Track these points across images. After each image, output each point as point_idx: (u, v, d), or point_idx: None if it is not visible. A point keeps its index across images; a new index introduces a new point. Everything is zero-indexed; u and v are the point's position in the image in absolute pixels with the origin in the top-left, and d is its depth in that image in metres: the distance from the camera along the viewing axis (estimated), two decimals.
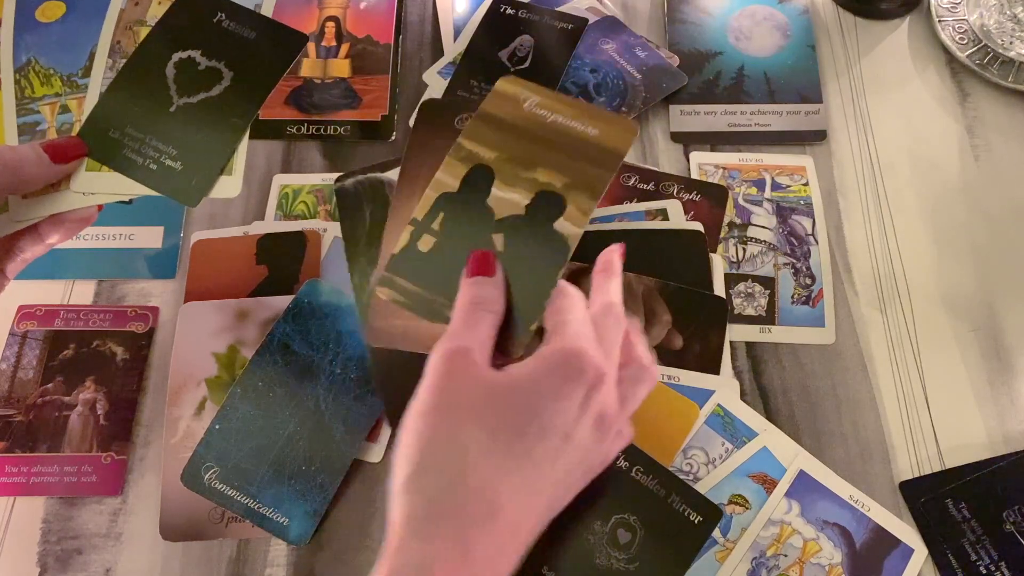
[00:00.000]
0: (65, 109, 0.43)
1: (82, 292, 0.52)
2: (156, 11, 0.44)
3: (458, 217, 0.37)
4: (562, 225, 0.36)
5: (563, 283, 0.35)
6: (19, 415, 0.48)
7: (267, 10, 0.45)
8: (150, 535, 0.45)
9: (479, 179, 0.37)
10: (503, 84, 0.40)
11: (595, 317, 0.35)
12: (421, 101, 0.50)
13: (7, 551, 0.45)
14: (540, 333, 0.35)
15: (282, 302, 0.49)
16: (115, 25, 0.45)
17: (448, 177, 0.38)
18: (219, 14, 0.43)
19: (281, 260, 0.52)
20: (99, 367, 0.49)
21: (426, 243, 0.37)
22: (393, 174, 0.43)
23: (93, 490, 0.46)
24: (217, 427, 0.46)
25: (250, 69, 0.43)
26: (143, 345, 0.50)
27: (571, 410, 0.32)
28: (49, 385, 0.49)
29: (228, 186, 0.42)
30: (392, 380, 0.39)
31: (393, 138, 0.58)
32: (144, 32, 0.44)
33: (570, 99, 0.40)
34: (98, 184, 0.42)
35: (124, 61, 0.43)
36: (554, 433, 0.31)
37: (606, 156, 0.37)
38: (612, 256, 0.38)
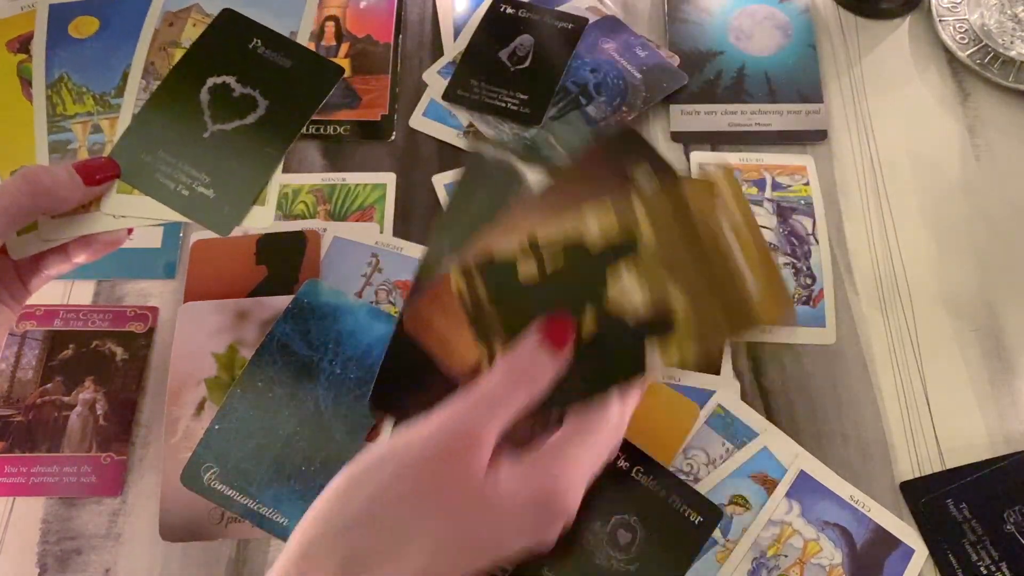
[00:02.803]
0: (97, 129, 0.43)
1: (81, 292, 0.52)
2: (191, 33, 0.44)
3: (575, 271, 0.32)
4: (651, 351, 0.32)
5: (612, 403, 0.33)
6: (18, 415, 0.48)
7: (303, 38, 0.44)
8: (149, 535, 0.45)
9: (620, 251, 0.32)
10: (720, 174, 0.34)
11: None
12: (624, 128, 0.40)
13: (6, 551, 0.45)
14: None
15: (282, 302, 0.49)
16: (149, 45, 0.44)
17: (594, 224, 0.32)
18: (255, 40, 0.43)
19: (281, 260, 0.52)
20: (99, 367, 0.49)
21: (528, 271, 0.32)
22: (537, 174, 0.38)
23: (93, 490, 0.46)
24: (217, 427, 0.46)
25: (285, 99, 0.42)
26: (143, 345, 0.50)
27: (522, 543, 0.30)
28: (48, 385, 0.49)
29: (260, 216, 0.42)
30: (398, 369, 0.35)
31: (393, 138, 0.58)
32: (179, 54, 0.43)
33: (759, 234, 0.34)
34: (129, 207, 0.41)
35: (158, 83, 0.43)
36: (495, 556, 0.30)
37: (743, 319, 0.32)
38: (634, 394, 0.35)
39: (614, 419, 0.32)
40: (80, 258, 0.43)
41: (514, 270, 0.32)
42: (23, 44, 0.45)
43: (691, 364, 0.35)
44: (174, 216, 0.41)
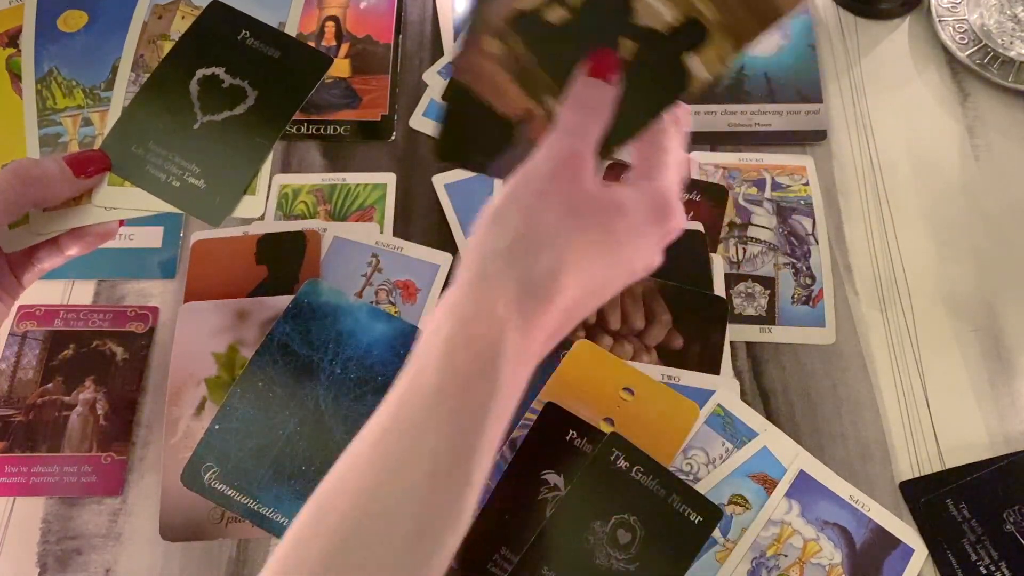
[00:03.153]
0: (87, 122, 0.43)
1: (82, 292, 0.52)
2: (180, 25, 0.44)
3: (601, 2, 0.33)
4: (692, 62, 0.33)
5: (667, 120, 0.35)
6: (19, 415, 0.48)
7: (291, 29, 0.44)
8: (150, 535, 0.45)
9: None
10: None
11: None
12: None
13: (7, 551, 0.45)
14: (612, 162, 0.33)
15: (282, 302, 0.49)
16: (138, 38, 0.44)
17: None
18: (243, 31, 0.43)
19: (281, 260, 0.52)
20: (99, 367, 0.49)
21: (556, 14, 0.33)
22: None
23: (93, 490, 0.46)
24: (217, 427, 0.46)
25: (275, 89, 0.43)
26: (143, 345, 0.50)
27: (647, 248, 0.33)
28: (49, 385, 0.49)
29: (251, 206, 0.42)
30: (457, 118, 0.36)
31: (393, 138, 0.58)
32: (168, 46, 0.43)
33: None
34: (120, 199, 0.41)
35: (147, 75, 0.43)
36: (627, 261, 0.32)
37: (768, 8, 0.33)
38: (684, 111, 0.37)
39: (675, 132, 0.35)
40: (72, 251, 0.43)
41: (542, 17, 0.33)
42: (11, 39, 0.45)
43: (730, 65, 0.35)
44: (165, 207, 0.41)
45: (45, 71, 0.44)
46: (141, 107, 0.42)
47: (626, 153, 0.35)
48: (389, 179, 0.56)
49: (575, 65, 0.33)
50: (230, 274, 0.52)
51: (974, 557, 0.44)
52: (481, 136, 0.36)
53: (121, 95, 0.43)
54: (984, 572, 0.44)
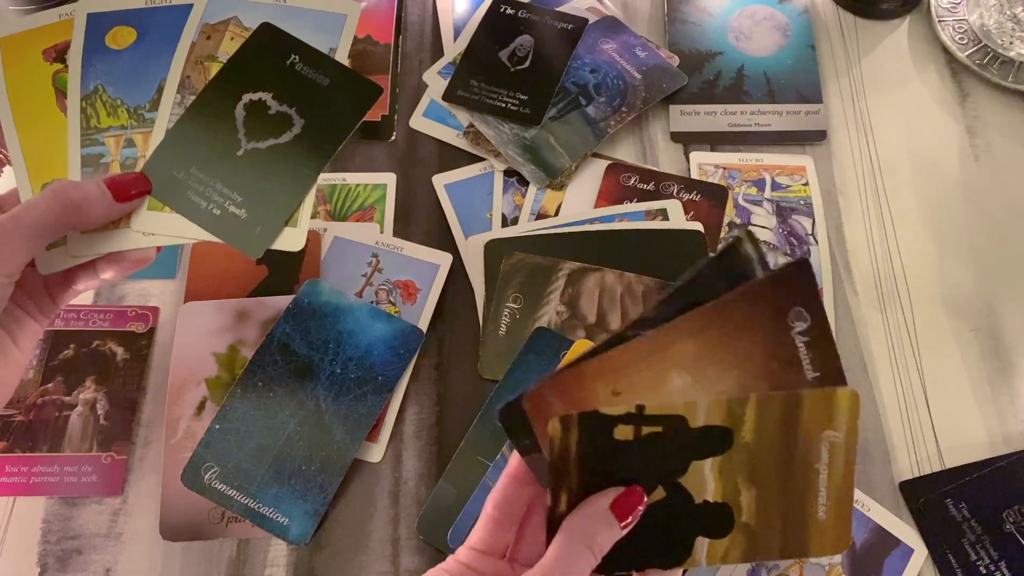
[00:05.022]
0: (130, 143, 0.42)
1: None
2: (228, 47, 0.43)
3: (666, 447, 0.32)
4: (701, 544, 0.33)
5: None
6: (19, 415, 0.48)
7: (342, 56, 0.43)
8: (150, 535, 0.45)
9: (714, 444, 0.33)
10: (848, 396, 0.33)
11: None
12: (801, 262, 0.33)
13: (7, 551, 0.45)
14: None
15: (282, 302, 0.49)
16: (186, 59, 0.43)
17: (703, 413, 0.32)
18: (293, 56, 0.42)
19: (281, 260, 0.52)
20: (99, 367, 0.49)
21: (624, 434, 0.32)
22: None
23: (93, 490, 0.46)
24: (217, 427, 0.46)
25: (322, 118, 0.41)
26: (143, 345, 0.50)
27: None
28: (49, 385, 0.49)
29: (292, 238, 0.40)
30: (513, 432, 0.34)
31: (393, 138, 0.58)
32: (215, 68, 0.42)
33: (852, 468, 0.34)
34: (159, 225, 0.40)
35: (193, 98, 0.42)
36: None
37: (797, 546, 0.33)
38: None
39: None
40: (108, 274, 0.42)
41: (612, 427, 0.32)
42: (59, 54, 0.44)
43: (721, 564, 0.36)
44: (204, 236, 0.40)
45: (91, 89, 0.43)
46: (185, 130, 0.41)
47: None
48: (389, 179, 0.56)
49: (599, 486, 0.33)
50: (230, 274, 0.52)
51: (974, 557, 0.44)
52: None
53: (166, 117, 0.42)
54: (984, 572, 0.44)
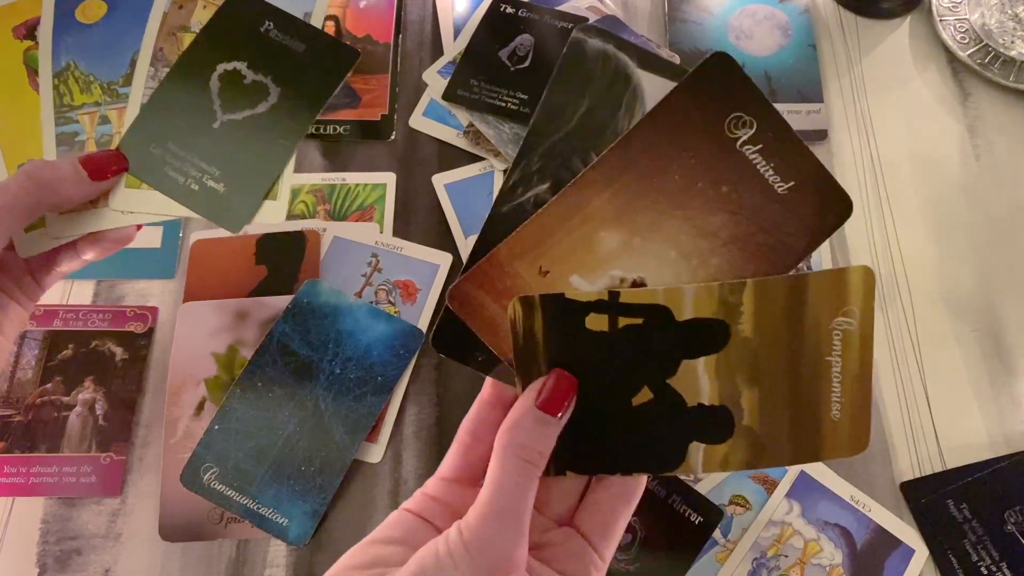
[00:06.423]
0: (105, 120, 0.41)
1: (81, 292, 0.52)
2: (201, 16, 0.42)
3: (648, 341, 0.28)
4: (696, 449, 0.29)
5: (632, 485, 0.32)
6: (18, 415, 0.48)
7: (317, 20, 0.42)
8: (149, 535, 0.45)
9: (706, 343, 0.28)
10: (861, 274, 0.28)
11: None
12: (719, 56, 0.28)
13: (6, 551, 0.45)
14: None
15: (282, 302, 0.49)
16: (158, 30, 0.42)
17: (690, 303, 0.27)
18: (267, 23, 0.41)
19: (280, 260, 0.52)
20: (98, 367, 0.49)
21: (597, 324, 0.28)
22: (650, 83, 0.29)
23: (92, 490, 0.46)
24: (216, 427, 0.46)
25: (298, 86, 0.40)
26: (142, 345, 0.50)
27: None
28: (48, 385, 0.49)
29: (273, 211, 0.40)
30: (452, 323, 0.31)
31: (393, 138, 0.58)
32: (188, 39, 0.41)
33: (870, 355, 0.29)
34: (137, 203, 0.40)
35: (167, 70, 0.41)
36: None
37: (809, 449, 0.29)
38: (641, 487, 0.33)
39: (629, 510, 0.32)
40: (89, 255, 0.42)
41: (582, 316, 0.28)
42: (29, 30, 0.42)
43: (726, 473, 0.32)
44: (184, 212, 0.39)
45: (63, 65, 0.42)
46: (160, 104, 0.40)
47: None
48: (389, 179, 0.56)
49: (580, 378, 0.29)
50: (230, 274, 0.51)
51: (975, 557, 0.44)
52: (477, 345, 0.31)
53: (140, 91, 0.41)
54: (985, 573, 0.44)
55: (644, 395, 0.29)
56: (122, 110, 0.41)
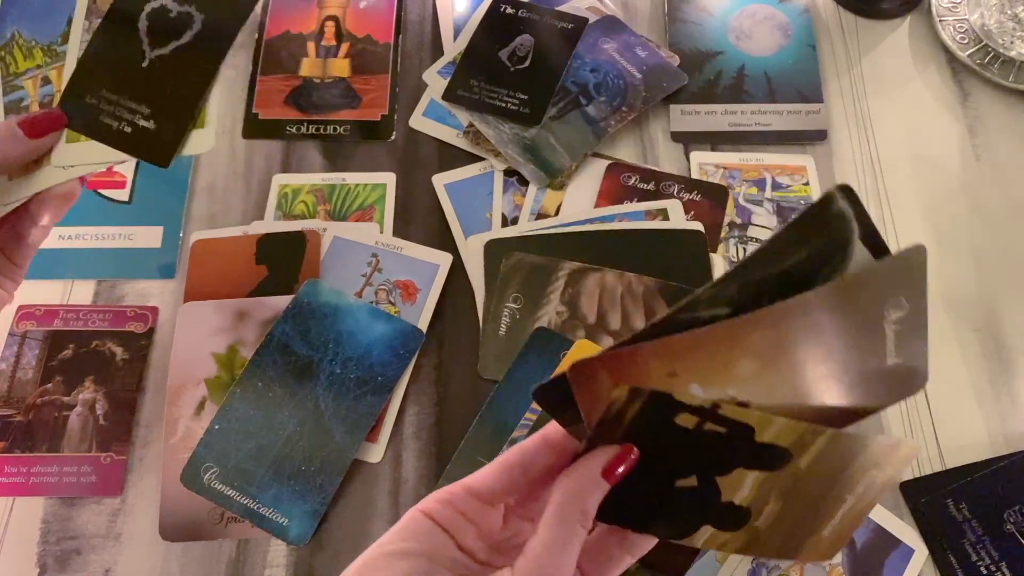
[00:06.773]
0: (46, 80, 0.41)
1: (81, 292, 0.52)
2: None
3: (719, 447, 0.30)
4: (704, 530, 0.32)
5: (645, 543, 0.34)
6: (18, 415, 0.48)
7: None
8: (149, 535, 0.45)
9: (771, 459, 0.30)
10: (908, 451, 0.32)
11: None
12: (907, 248, 0.31)
13: (6, 551, 0.45)
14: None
15: (282, 302, 0.49)
16: None
17: (773, 431, 0.30)
18: None
19: (281, 260, 0.52)
20: (98, 367, 0.49)
21: (685, 423, 0.30)
22: (860, 254, 0.31)
23: (92, 490, 0.46)
24: (216, 427, 0.46)
25: (219, 8, 0.40)
26: (142, 345, 0.50)
27: None
28: (48, 385, 0.49)
29: (201, 140, 0.39)
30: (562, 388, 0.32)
31: (393, 138, 0.58)
32: None
33: (865, 515, 0.34)
34: (76, 155, 0.39)
35: (100, 21, 0.41)
36: None
37: (790, 550, 0.33)
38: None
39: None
40: (44, 219, 0.41)
41: (677, 413, 0.29)
42: None
43: (723, 555, 0.36)
44: (117, 156, 0.39)
45: (9, 36, 0.42)
46: (93, 56, 0.40)
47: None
48: (389, 179, 0.56)
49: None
50: (230, 274, 0.51)
51: (974, 557, 0.44)
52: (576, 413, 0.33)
53: (76, 47, 0.41)
54: (985, 573, 0.44)
55: (689, 481, 0.31)
56: (61, 68, 0.41)
